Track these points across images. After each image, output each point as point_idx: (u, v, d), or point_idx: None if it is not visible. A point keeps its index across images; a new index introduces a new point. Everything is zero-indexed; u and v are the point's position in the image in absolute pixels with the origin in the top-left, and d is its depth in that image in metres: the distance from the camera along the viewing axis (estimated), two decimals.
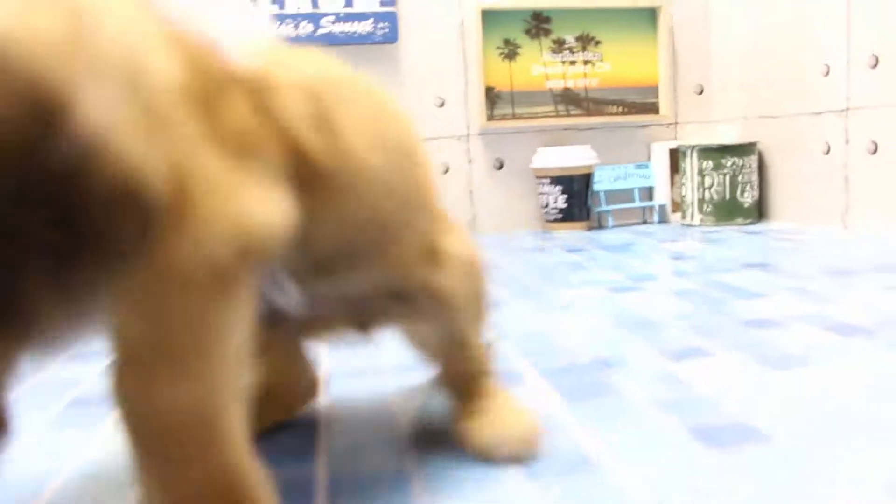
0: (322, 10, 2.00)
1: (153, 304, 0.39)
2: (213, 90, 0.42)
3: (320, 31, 2.00)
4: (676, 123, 2.25)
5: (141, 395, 0.39)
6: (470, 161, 2.15)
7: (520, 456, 0.62)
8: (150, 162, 0.36)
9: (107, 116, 0.34)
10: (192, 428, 0.40)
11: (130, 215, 0.36)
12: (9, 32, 0.31)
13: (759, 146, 2.03)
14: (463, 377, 0.67)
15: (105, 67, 0.35)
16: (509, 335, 0.99)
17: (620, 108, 2.21)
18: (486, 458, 0.62)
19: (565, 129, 2.18)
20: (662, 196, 2.17)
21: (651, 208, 2.18)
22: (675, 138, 2.24)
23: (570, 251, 1.72)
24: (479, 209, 2.16)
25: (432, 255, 0.61)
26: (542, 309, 1.15)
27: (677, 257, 1.55)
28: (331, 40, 2.00)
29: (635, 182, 2.18)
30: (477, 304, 0.65)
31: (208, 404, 0.40)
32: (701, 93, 2.25)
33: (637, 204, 2.16)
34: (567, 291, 1.26)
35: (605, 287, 1.29)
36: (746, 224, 1.99)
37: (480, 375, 0.67)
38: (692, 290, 1.22)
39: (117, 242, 0.36)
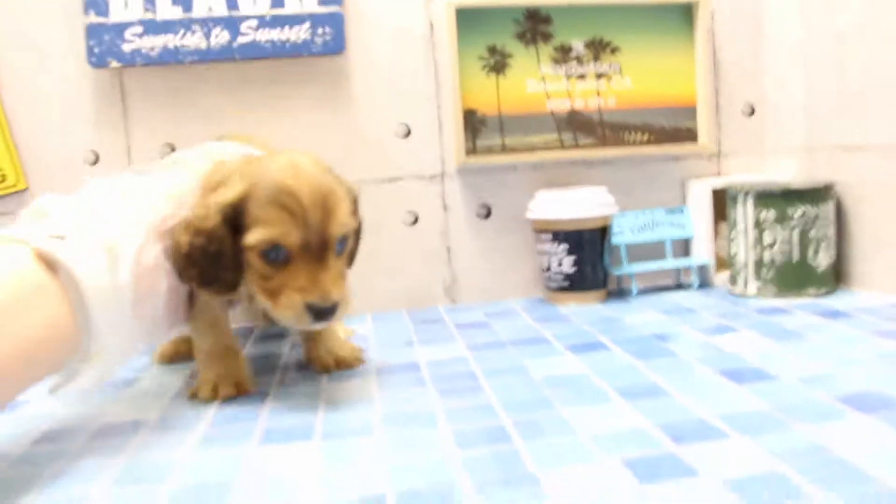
0: (242, 12, 1.49)
1: None
2: None
3: (240, 41, 1.49)
4: (720, 154, 1.71)
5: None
6: (446, 208, 1.62)
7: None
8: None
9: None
10: None
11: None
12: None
13: (837, 188, 1.49)
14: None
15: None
16: None
17: (646, 136, 1.67)
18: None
19: (572, 164, 1.65)
20: (703, 251, 1.63)
21: (688, 269, 1.64)
22: (719, 174, 1.71)
23: (574, 350, 1.19)
24: (458, 270, 1.63)
25: None
26: None
27: (733, 376, 1.01)
28: (254, 52, 1.49)
29: (667, 232, 1.64)
30: None
31: None
32: (752, 114, 1.72)
33: (669, 263, 1.62)
34: (562, 471, 0.73)
35: (620, 461, 0.76)
36: (821, 295, 1.45)
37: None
38: (762, 477, 0.69)
39: None
